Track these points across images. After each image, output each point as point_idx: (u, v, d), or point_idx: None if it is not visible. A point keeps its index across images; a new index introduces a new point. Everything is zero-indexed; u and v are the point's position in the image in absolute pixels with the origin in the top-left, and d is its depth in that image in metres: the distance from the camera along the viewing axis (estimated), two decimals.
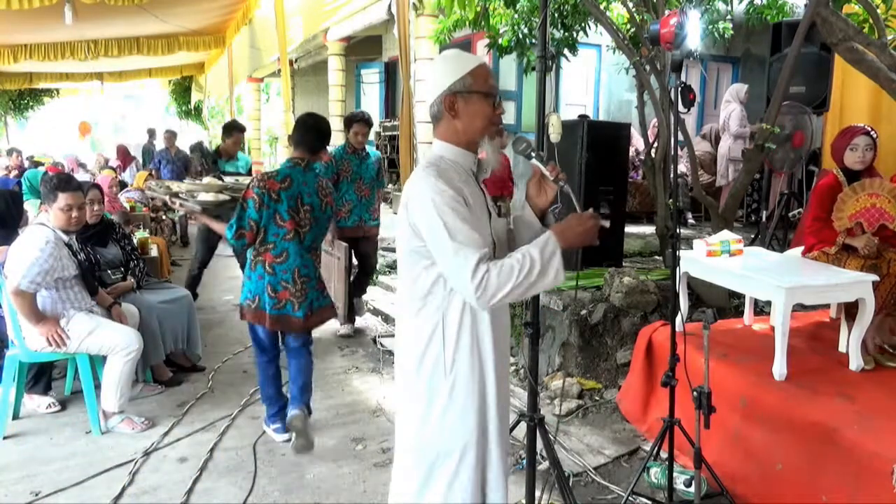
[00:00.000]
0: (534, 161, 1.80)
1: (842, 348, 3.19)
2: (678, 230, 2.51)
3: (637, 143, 7.29)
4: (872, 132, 3.30)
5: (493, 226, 1.79)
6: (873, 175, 3.37)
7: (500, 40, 5.54)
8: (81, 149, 18.48)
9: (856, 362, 3.01)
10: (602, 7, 4.84)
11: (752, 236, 5.82)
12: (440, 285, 1.71)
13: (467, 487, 1.77)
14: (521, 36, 5.32)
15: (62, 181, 3.43)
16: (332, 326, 5.50)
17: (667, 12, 2.75)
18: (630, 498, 2.67)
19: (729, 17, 5.97)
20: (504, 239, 1.85)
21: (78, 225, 3.48)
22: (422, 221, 1.66)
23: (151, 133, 14.01)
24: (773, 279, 2.94)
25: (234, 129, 5.91)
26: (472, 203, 1.69)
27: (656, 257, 5.29)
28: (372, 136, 10.19)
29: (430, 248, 1.67)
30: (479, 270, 1.57)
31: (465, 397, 1.74)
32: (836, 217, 3.29)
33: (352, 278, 5.22)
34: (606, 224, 1.84)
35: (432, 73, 1.79)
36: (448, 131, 1.77)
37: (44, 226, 3.38)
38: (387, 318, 5.48)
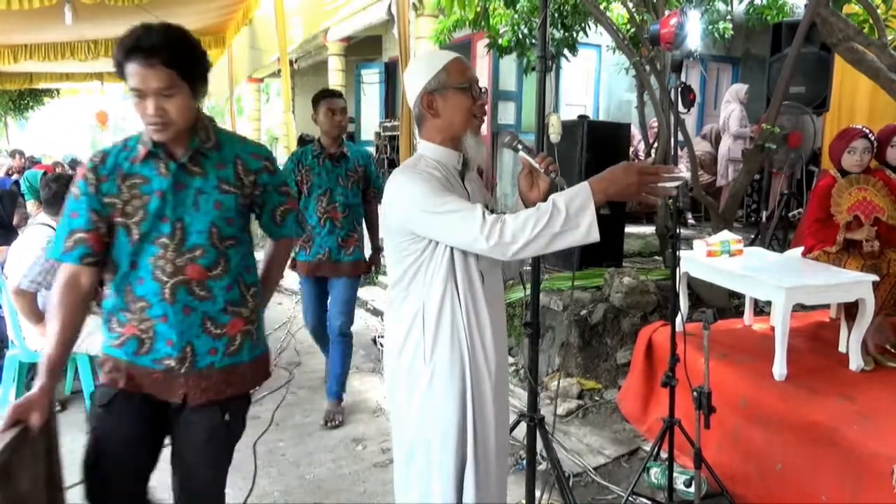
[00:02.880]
0: (521, 154, 1.76)
1: (842, 348, 3.19)
2: (678, 230, 2.51)
3: (638, 143, 7.28)
4: (871, 135, 3.30)
5: None
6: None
7: (500, 40, 5.53)
8: (81, 149, 18.49)
9: (856, 362, 3.01)
10: (602, 7, 4.84)
11: (752, 236, 5.81)
12: (421, 274, 1.72)
13: (445, 478, 1.74)
14: (521, 36, 5.32)
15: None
16: None
17: (667, 12, 2.75)
18: (630, 498, 2.67)
19: (729, 17, 5.97)
20: None
21: None
22: (409, 212, 1.66)
23: None
24: (773, 279, 2.94)
25: None
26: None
27: (656, 257, 5.29)
28: (371, 136, 10.22)
29: (429, 233, 1.67)
30: (486, 219, 1.53)
31: (444, 386, 1.73)
32: (835, 211, 3.30)
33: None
34: (683, 176, 1.67)
35: (408, 78, 1.78)
36: (431, 131, 1.77)
37: (45, 226, 3.39)
38: None
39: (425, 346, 1.73)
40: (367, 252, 3.83)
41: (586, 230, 1.52)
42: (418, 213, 1.63)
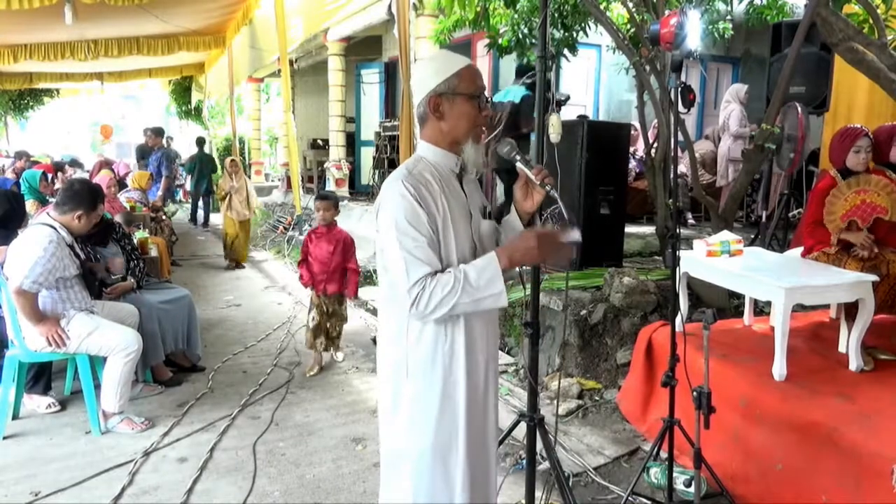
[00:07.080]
0: (519, 165, 1.77)
1: (842, 348, 3.19)
2: (678, 230, 2.51)
3: (638, 143, 7.28)
4: (869, 133, 3.31)
5: (476, 227, 1.79)
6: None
7: (500, 40, 5.54)
8: (81, 149, 18.49)
9: (856, 362, 3.01)
10: (602, 7, 4.84)
11: (752, 236, 5.81)
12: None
13: (425, 492, 1.75)
14: (521, 36, 5.32)
15: (100, 192, 3.69)
16: None
17: (667, 12, 2.75)
18: (630, 498, 2.67)
19: (729, 17, 5.98)
20: (490, 240, 1.84)
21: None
22: (381, 227, 1.68)
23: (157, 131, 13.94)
24: (773, 279, 2.93)
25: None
26: (449, 207, 1.70)
27: (656, 257, 5.29)
28: (371, 136, 10.23)
29: (384, 255, 1.68)
30: (416, 286, 1.60)
31: (426, 402, 1.73)
32: (827, 221, 3.30)
33: None
34: (576, 237, 1.70)
35: (418, 74, 1.78)
36: (433, 133, 1.76)
37: (45, 225, 3.38)
38: None
39: (408, 364, 1.73)
40: None
41: (495, 299, 1.63)
42: (392, 229, 1.64)
